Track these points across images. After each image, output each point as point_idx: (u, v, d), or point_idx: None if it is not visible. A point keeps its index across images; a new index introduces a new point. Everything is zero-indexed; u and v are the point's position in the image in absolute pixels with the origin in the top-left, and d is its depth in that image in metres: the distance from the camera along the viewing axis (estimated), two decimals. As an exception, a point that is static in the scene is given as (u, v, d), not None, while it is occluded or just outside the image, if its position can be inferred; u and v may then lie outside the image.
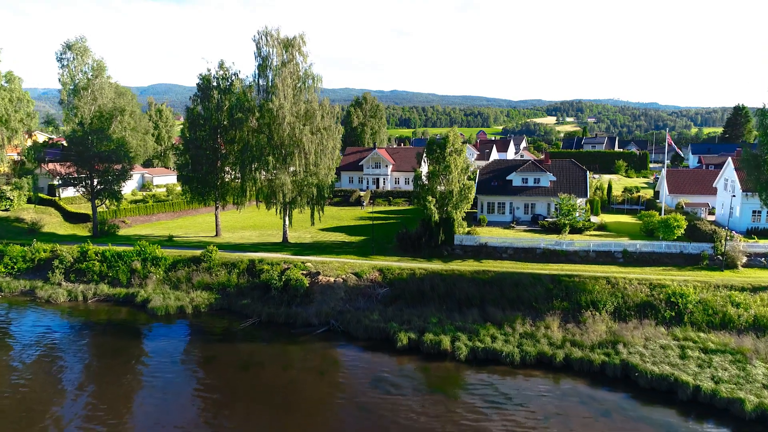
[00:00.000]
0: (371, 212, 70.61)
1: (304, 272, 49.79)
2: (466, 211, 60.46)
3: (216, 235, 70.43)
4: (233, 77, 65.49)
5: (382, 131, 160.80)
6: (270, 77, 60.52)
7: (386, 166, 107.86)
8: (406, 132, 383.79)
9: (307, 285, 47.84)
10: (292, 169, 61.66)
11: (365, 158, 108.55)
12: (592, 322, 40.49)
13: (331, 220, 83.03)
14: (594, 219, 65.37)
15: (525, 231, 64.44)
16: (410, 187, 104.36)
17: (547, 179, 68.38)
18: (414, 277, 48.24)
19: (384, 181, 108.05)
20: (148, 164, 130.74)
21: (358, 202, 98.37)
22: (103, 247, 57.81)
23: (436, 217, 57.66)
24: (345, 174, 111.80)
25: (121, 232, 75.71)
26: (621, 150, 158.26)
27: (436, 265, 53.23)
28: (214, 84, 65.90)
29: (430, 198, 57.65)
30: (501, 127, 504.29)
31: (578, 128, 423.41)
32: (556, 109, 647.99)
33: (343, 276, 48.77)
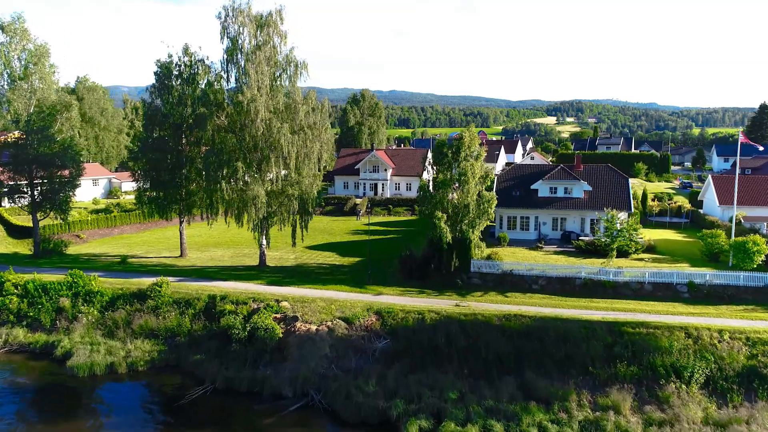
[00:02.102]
0: (368, 224, 58.70)
1: (278, 316, 37.77)
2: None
3: (180, 255, 58.39)
4: (198, 65, 53.40)
5: (381, 131, 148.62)
6: (241, 64, 48.58)
7: (385, 169, 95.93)
8: (405, 132, 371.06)
9: (281, 335, 35.82)
10: (271, 175, 49.81)
11: (362, 161, 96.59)
12: (680, 401, 28.54)
13: (321, 234, 71.07)
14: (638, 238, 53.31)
15: (556, 253, 52.53)
16: (412, 194, 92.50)
17: (580, 189, 56.44)
18: (423, 324, 36.24)
19: (383, 187, 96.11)
20: (125, 166, 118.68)
21: (354, 212, 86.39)
22: (27, 275, 45.69)
23: (449, 237, 45.87)
24: (339, 179, 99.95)
25: (72, 249, 63.61)
26: (639, 151, 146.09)
27: (450, 301, 41.57)
28: (176, 72, 53.86)
29: (439, 214, 45.83)
30: (501, 128, 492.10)
31: (579, 128, 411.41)
32: (556, 109, 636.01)
33: (329, 322, 36.69)
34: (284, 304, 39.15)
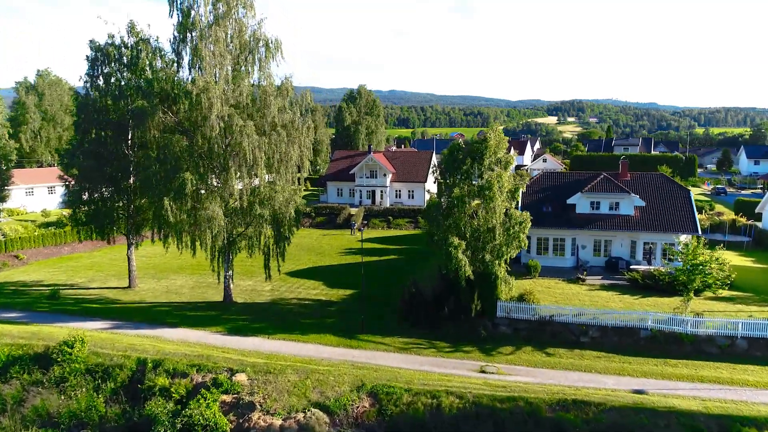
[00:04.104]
0: (362, 240, 46.88)
1: (228, 399, 26.06)
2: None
3: (129, 286, 46.71)
4: (141, 45, 41.40)
5: (379, 131, 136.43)
6: (195, 43, 36.90)
7: (384, 174, 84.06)
8: (405, 132, 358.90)
9: (229, 434, 24.16)
10: (238, 187, 38.16)
11: (358, 165, 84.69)
12: None
13: (308, 254, 59.37)
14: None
15: (603, 287, 40.90)
16: (414, 203, 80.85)
17: (630, 204, 44.75)
18: (441, 416, 24.57)
19: (382, 195, 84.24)
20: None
21: (348, 224, 74.70)
22: None
23: (468, 271, 34.35)
24: (332, 185, 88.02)
25: (2, 275, 51.97)
26: (661, 153, 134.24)
27: (472, 363, 30.82)
28: (116, 56, 42.05)
29: (455, 241, 34.31)
30: (501, 128, 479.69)
31: (581, 128, 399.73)
32: (557, 109, 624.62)
33: (301, 413, 24.91)
34: (240, 378, 27.38)
